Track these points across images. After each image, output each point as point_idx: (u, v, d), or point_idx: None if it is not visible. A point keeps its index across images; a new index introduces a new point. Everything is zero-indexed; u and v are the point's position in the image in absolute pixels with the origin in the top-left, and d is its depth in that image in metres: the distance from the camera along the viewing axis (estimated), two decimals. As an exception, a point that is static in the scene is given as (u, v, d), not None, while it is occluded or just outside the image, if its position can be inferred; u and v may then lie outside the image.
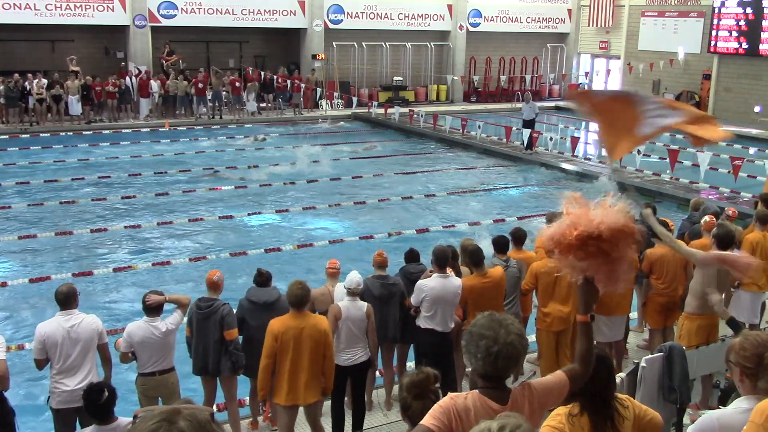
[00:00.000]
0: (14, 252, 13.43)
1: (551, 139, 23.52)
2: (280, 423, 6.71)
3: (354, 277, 7.15)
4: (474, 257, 7.68)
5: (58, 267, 12.53)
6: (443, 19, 34.93)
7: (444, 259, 7.45)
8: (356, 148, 23.90)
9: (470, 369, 3.27)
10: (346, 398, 7.40)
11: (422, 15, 34.39)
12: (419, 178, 20.01)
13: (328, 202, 16.97)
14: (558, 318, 7.79)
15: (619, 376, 6.03)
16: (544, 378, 3.48)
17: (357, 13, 33.05)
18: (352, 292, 7.10)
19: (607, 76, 35.68)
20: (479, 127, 25.13)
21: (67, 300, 6.43)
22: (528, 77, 36.01)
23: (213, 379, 7.20)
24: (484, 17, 35.63)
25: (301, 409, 6.69)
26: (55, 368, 6.34)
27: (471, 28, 35.38)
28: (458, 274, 7.68)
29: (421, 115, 27.69)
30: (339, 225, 15.59)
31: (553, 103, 34.96)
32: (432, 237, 13.82)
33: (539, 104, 26.97)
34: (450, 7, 34.85)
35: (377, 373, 8.09)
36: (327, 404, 7.40)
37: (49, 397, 6.47)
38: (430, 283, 7.37)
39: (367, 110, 30.28)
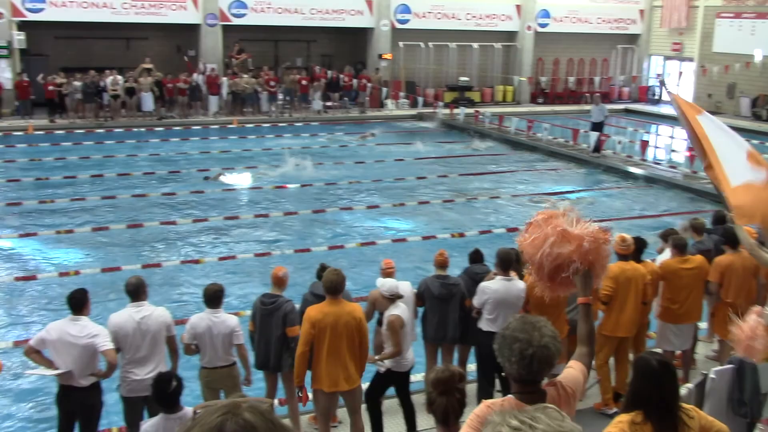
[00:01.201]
0: (88, 242, 13.87)
1: (620, 142, 23.06)
2: (319, 407, 6.76)
3: (391, 284, 7.15)
4: None
5: (128, 258, 12.88)
6: (511, 20, 34.60)
7: (508, 262, 7.39)
8: (422, 149, 23.88)
9: (504, 373, 3.27)
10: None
11: (490, 15, 34.14)
12: (483, 180, 19.89)
13: (392, 202, 17.01)
14: (624, 323, 7.64)
15: (686, 387, 5.89)
16: (569, 372, 3.45)
17: (424, 12, 33.01)
18: (395, 298, 7.12)
19: (679, 79, 34.78)
20: (545, 129, 24.83)
21: (137, 292, 6.62)
22: (597, 79, 35.39)
23: (274, 374, 7.30)
24: (553, 18, 35.15)
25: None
26: (126, 358, 6.53)
27: (539, 29, 34.95)
28: (521, 277, 7.61)
29: (487, 116, 27.51)
30: (402, 224, 15.61)
31: (622, 106, 34.27)
32: (495, 239, 13.72)
33: (608, 107, 26.48)
34: (518, 7, 34.50)
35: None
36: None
37: (119, 385, 6.67)
38: (494, 286, 7.32)
39: (432, 110, 30.24)
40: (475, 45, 33.97)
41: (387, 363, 7.08)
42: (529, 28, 34.64)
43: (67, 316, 6.38)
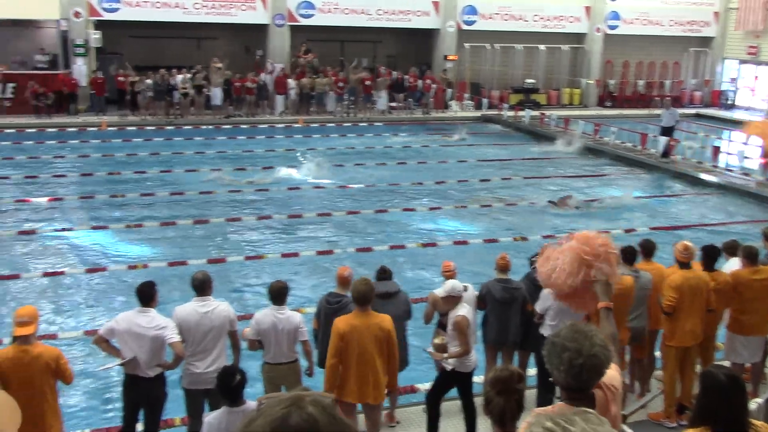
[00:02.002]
0: (156, 237, 14.22)
1: (690, 147, 22.45)
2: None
3: (454, 283, 7.10)
4: None
5: (194, 253, 13.16)
6: (579, 21, 34.09)
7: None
8: (486, 151, 23.74)
9: (552, 379, 3.25)
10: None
11: (557, 17, 33.69)
12: (548, 183, 19.64)
13: (454, 203, 16.95)
14: (690, 333, 7.44)
15: (756, 402, 5.70)
16: (611, 373, 3.40)
17: (491, 14, 32.79)
18: (458, 298, 7.07)
19: (755, 84, 33.68)
20: (613, 132, 24.38)
21: (202, 287, 6.75)
22: (667, 82, 34.58)
23: None
24: (623, 20, 34.47)
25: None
26: (188, 351, 6.65)
27: (608, 31, 34.33)
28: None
29: (553, 119, 27.15)
30: (464, 226, 15.54)
31: (694, 110, 33.37)
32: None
33: (679, 111, 25.83)
34: (587, 9, 33.96)
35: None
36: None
37: (181, 377, 6.82)
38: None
39: (497, 112, 30.01)
40: (542, 47, 33.57)
41: (452, 362, 7.06)
42: (598, 30, 34.06)
43: (135, 307, 6.56)
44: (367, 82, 29.04)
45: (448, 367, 7.12)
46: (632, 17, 34.54)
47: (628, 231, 14.85)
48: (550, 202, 17.12)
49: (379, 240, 14.29)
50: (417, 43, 33.50)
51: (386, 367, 6.51)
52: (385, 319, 6.50)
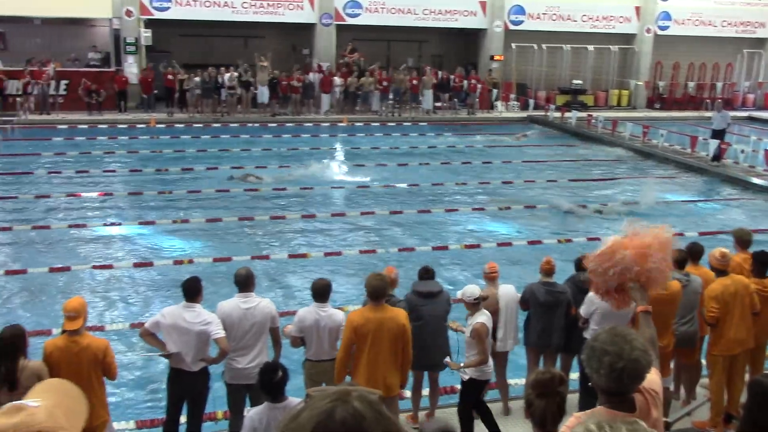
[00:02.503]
0: (202, 232, 14.41)
1: (742, 151, 21.94)
2: None
3: (474, 289, 7.05)
4: None
5: (238, 249, 13.30)
6: (629, 22, 33.61)
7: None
8: (532, 152, 23.55)
9: (591, 383, 3.22)
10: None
11: (607, 17, 33.26)
12: (593, 186, 19.39)
13: (498, 204, 16.84)
14: (736, 340, 7.28)
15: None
16: (651, 377, 3.35)
17: (538, 14, 32.51)
18: (477, 305, 7.02)
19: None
20: (662, 135, 23.96)
21: (245, 283, 6.82)
22: (719, 84, 33.86)
23: None
24: (674, 20, 33.88)
25: None
26: (231, 346, 6.71)
27: (659, 32, 33.78)
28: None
29: (600, 121, 26.80)
30: (508, 228, 15.43)
31: (746, 113, 32.62)
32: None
33: (731, 114, 25.27)
34: (638, 9, 33.46)
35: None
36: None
37: (223, 371, 6.90)
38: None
39: (543, 113, 29.74)
40: (591, 47, 33.17)
41: (469, 372, 7.01)
42: (648, 30, 33.54)
43: (181, 302, 6.65)
44: (414, 82, 29.03)
45: (465, 377, 7.08)
46: (684, 18, 33.93)
47: (674, 235, 14.50)
48: (579, 206, 16.78)
49: (422, 240, 14.27)
50: (463, 43, 33.39)
51: (398, 362, 6.49)
52: (400, 314, 6.50)
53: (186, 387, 6.68)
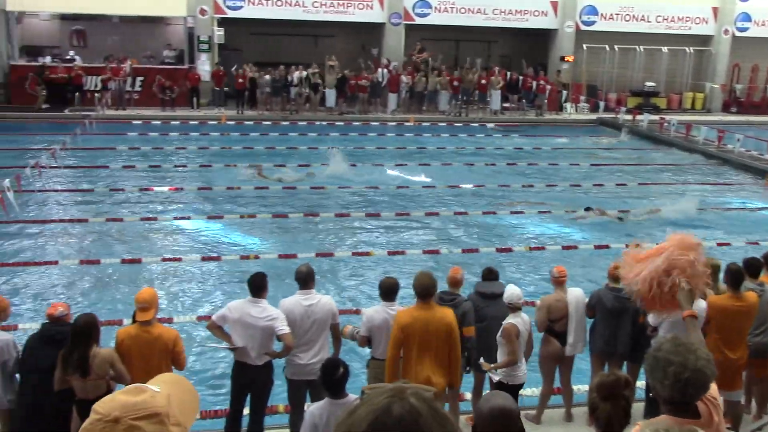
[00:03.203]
0: (268, 229, 14.63)
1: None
2: None
3: (514, 291, 6.95)
4: (735, 277, 7.04)
5: (303, 246, 13.44)
6: (706, 23, 32.65)
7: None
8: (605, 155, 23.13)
9: (653, 393, 3.16)
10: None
11: (683, 18, 32.39)
12: (664, 190, 18.90)
13: (565, 207, 16.58)
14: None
15: None
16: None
17: (611, 14, 31.90)
18: (514, 307, 6.92)
19: None
20: (738, 140, 23.21)
21: (306, 280, 6.88)
22: (801, 88, 32.61)
23: None
24: (754, 21, 32.79)
25: None
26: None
27: (737, 33, 32.72)
28: (706, 295, 7.14)
29: (673, 124, 26.12)
30: (574, 231, 15.19)
31: (828, 119, 31.34)
32: (674, 253, 12.97)
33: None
34: (715, 9, 32.48)
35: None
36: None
37: (285, 367, 6.99)
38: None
39: (614, 116, 29.17)
40: (665, 49, 32.37)
41: (499, 374, 6.93)
42: (726, 32, 32.52)
43: (247, 297, 6.76)
44: (483, 82, 28.84)
45: (495, 378, 6.99)
46: (764, 18, 32.81)
47: (749, 243, 14.09)
48: (587, 209, 16.26)
49: (485, 241, 14.17)
50: (532, 43, 33.00)
51: (446, 362, 6.41)
52: (448, 314, 6.43)
53: (249, 380, 6.79)
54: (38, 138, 21.91)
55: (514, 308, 6.93)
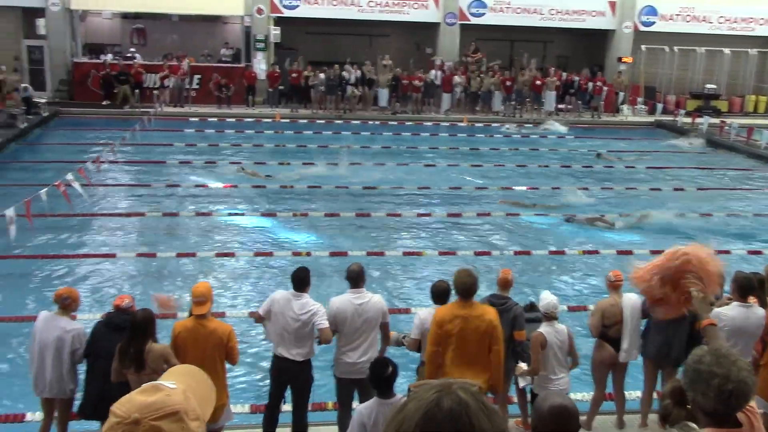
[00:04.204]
0: (321, 226, 14.74)
1: None
2: None
3: (550, 299, 6.85)
4: None
5: (354, 244, 13.51)
6: (771, 24, 31.76)
7: (748, 288, 6.78)
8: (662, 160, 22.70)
9: (692, 405, 3.13)
10: None
11: (746, 19, 31.59)
12: (723, 196, 18.46)
13: (620, 211, 16.32)
14: None
15: None
16: None
17: (671, 15, 31.28)
18: (549, 317, 6.81)
19: None
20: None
21: (357, 279, 6.91)
22: None
23: None
24: (823, 22, 31.76)
25: None
26: (342, 341, 6.86)
27: (804, 35, 31.75)
28: (762, 304, 6.96)
29: (733, 128, 25.49)
30: (628, 236, 14.92)
31: None
32: (732, 261, 12.66)
33: None
34: (781, 10, 31.58)
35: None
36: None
37: (333, 365, 7.04)
38: (731, 313, 6.75)
39: (672, 118, 28.59)
40: (727, 50, 31.56)
41: (523, 382, 6.82)
42: (791, 33, 31.58)
43: (289, 290, 6.85)
44: (537, 83, 28.58)
45: (521, 384, 6.89)
46: (832, 20, 31.77)
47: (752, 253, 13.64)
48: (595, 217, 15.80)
49: (538, 244, 14.03)
50: (589, 44, 32.56)
51: (486, 362, 6.26)
52: (489, 312, 6.32)
53: (289, 374, 6.85)
54: (100, 134, 22.45)
55: (550, 317, 6.84)
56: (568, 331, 6.99)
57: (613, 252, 13.48)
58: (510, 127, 26.86)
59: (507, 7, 30.21)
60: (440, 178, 18.94)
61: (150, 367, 5.98)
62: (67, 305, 6.63)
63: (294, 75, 27.51)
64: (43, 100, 26.05)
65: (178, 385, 1.88)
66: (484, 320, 6.17)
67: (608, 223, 15.37)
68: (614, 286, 7.51)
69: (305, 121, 26.53)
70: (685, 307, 5.74)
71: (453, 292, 6.73)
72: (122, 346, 6.02)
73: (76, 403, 6.71)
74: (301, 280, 6.82)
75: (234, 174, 18.52)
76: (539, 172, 20.06)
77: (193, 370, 2.08)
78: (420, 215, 15.68)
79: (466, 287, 6.21)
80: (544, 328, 6.81)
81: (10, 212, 8.00)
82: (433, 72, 28.51)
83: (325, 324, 6.64)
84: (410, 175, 19.07)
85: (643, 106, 30.41)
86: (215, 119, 26.14)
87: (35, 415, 7.25)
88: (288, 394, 7.02)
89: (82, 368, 6.76)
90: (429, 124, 27.11)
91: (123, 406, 1.80)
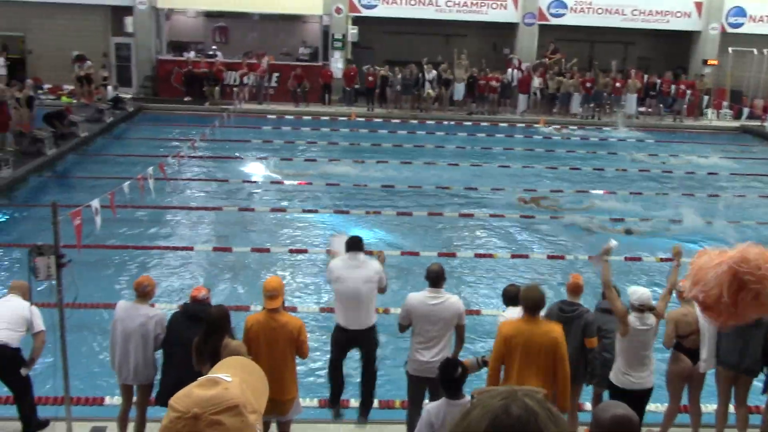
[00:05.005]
0: (393, 225, 14.79)
1: None
2: None
3: (643, 291, 6.67)
4: None
5: (426, 244, 13.50)
6: None
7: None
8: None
9: None
10: None
11: (843, 20, 30.12)
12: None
13: (703, 218, 15.80)
14: None
15: None
16: None
17: (761, 16, 30.11)
18: (641, 308, 6.60)
19: None
20: None
21: (436, 279, 6.89)
22: None
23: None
24: None
25: None
26: (416, 338, 6.87)
27: None
28: None
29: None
30: (711, 240, 14.43)
31: None
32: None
33: None
34: None
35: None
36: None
37: (406, 362, 7.06)
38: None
39: (759, 123, 27.54)
40: (820, 53, 30.21)
41: (616, 377, 6.69)
42: None
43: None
44: (617, 85, 27.95)
45: (596, 266, 6.92)
46: None
47: None
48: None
49: (615, 250, 13.66)
50: (673, 46, 31.63)
51: (550, 380, 6.11)
52: (555, 329, 6.17)
53: (353, 340, 7.38)
54: (181, 129, 23.06)
55: (642, 309, 6.63)
56: (657, 324, 6.77)
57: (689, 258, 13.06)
58: (550, 128, 26.33)
59: (588, 8, 29.64)
60: (514, 180, 18.73)
61: (226, 362, 6.09)
62: (147, 293, 6.85)
63: (371, 78, 27.64)
64: (128, 96, 26.94)
65: (233, 377, 1.87)
66: (550, 337, 6.06)
67: (624, 230, 14.94)
68: (685, 297, 7.29)
69: (380, 120, 26.65)
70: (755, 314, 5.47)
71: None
72: (198, 342, 6.13)
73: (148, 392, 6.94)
74: (354, 243, 7.38)
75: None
76: (616, 176, 19.60)
77: (246, 362, 2.07)
78: (492, 215, 15.55)
79: (535, 302, 6.11)
80: (632, 317, 6.61)
81: (95, 203, 8.30)
82: (509, 72, 28.23)
83: (385, 283, 7.47)
84: (483, 177, 18.92)
85: (729, 111, 29.37)
86: (292, 117, 26.52)
87: (113, 400, 7.52)
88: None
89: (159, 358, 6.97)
90: (504, 125, 26.84)
91: (182, 401, 1.79)
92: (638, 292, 6.76)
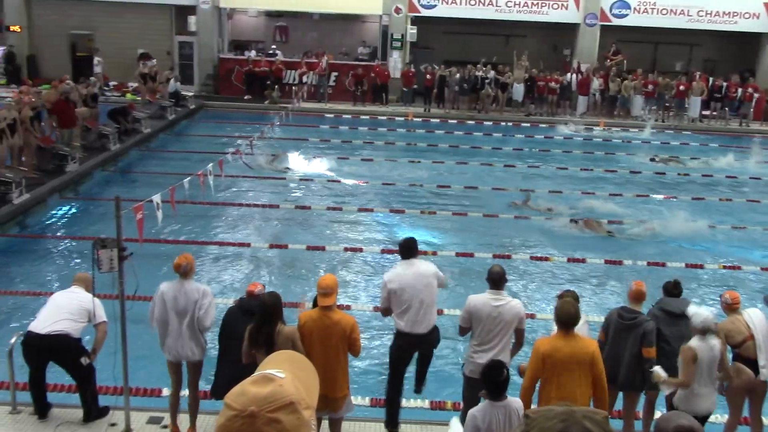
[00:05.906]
0: (447, 226, 14.75)
1: None
2: None
3: (706, 315, 6.46)
4: None
5: (481, 246, 13.42)
6: None
7: None
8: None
9: None
10: None
11: None
12: None
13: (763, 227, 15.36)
14: None
15: None
16: None
17: (835, 17, 29.05)
18: (704, 331, 6.40)
19: None
20: None
21: (499, 280, 6.83)
22: None
23: (617, 390, 7.01)
24: None
25: None
26: (475, 340, 6.83)
27: None
28: None
29: None
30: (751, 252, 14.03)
31: None
32: None
33: None
34: None
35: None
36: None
37: (464, 363, 7.04)
38: None
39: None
40: None
41: (669, 389, 6.53)
42: None
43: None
44: (681, 87, 27.31)
45: (666, 391, 6.63)
46: None
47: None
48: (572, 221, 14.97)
49: (674, 256, 13.40)
50: (740, 48, 30.76)
51: (587, 396, 5.92)
52: (591, 344, 6.03)
53: (416, 346, 7.24)
54: (241, 127, 23.40)
55: (704, 332, 6.45)
56: (722, 347, 6.62)
57: (756, 269, 12.73)
58: (575, 128, 25.77)
59: (652, 8, 29.04)
60: (570, 182, 18.48)
61: (279, 347, 6.16)
62: (188, 271, 6.95)
63: (428, 77, 27.59)
64: (190, 94, 27.46)
65: (287, 374, 1.86)
66: (587, 352, 5.91)
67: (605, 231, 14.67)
68: (731, 309, 7.11)
69: (437, 120, 26.58)
70: None
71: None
72: (252, 329, 6.22)
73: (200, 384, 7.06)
74: (408, 248, 7.30)
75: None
76: (682, 182, 19.18)
77: (296, 356, 2.06)
78: (548, 219, 15.36)
79: (571, 318, 5.94)
80: (695, 342, 6.46)
81: (156, 198, 8.49)
82: (569, 75, 27.85)
83: (443, 279, 7.42)
84: (541, 178, 18.70)
85: (797, 115, 28.42)
86: (350, 116, 26.66)
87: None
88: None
89: (214, 350, 7.09)
90: (563, 127, 26.49)
91: (238, 399, 1.79)
92: (702, 314, 6.55)
